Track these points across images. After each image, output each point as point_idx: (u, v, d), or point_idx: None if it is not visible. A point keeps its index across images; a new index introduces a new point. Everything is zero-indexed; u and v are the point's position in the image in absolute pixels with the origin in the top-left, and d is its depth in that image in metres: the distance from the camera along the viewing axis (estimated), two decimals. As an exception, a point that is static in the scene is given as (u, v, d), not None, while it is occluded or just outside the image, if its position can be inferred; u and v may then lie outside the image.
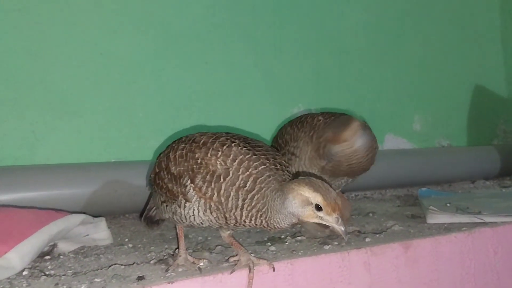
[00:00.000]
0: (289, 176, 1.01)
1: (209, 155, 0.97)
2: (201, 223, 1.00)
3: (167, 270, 0.99)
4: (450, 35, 2.70)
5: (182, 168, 0.99)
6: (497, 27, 2.90)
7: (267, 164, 0.97)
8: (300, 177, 0.97)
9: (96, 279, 0.95)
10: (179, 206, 1.00)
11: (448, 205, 1.56)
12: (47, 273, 1.01)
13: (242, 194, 0.94)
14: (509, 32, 2.87)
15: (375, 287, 1.13)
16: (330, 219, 0.93)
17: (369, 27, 2.40)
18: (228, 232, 1.10)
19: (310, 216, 0.93)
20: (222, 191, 0.95)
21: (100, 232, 1.25)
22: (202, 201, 0.97)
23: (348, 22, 2.33)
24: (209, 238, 1.30)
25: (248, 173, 0.95)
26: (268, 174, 0.96)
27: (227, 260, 1.05)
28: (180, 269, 1.00)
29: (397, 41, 2.49)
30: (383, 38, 2.44)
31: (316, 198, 0.91)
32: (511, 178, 2.50)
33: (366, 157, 1.33)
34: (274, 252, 1.13)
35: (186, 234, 1.31)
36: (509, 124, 2.83)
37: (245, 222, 0.96)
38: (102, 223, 1.27)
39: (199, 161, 0.98)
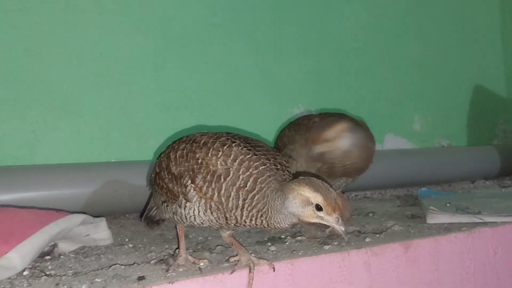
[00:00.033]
0: (290, 176, 1.01)
1: (209, 155, 0.97)
2: (202, 223, 1.00)
3: (167, 270, 0.99)
4: (450, 35, 2.70)
5: (182, 168, 1.00)
6: (497, 27, 2.90)
7: (268, 164, 0.97)
8: (301, 177, 0.97)
9: (96, 279, 0.95)
10: (180, 206, 1.00)
11: (448, 205, 1.56)
12: (47, 273, 1.01)
13: (242, 194, 0.94)
14: (509, 32, 2.88)
15: (375, 287, 1.13)
16: (330, 219, 0.93)
17: (369, 27, 2.40)
18: (229, 232, 1.10)
19: (310, 216, 0.93)
20: (222, 191, 0.95)
21: (100, 232, 1.25)
22: (203, 201, 0.97)
23: (348, 22, 2.33)
24: (209, 238, 1.30)
25: (248, 173, 0.95)
26: (268, 174, 0.96)
27: (227, 260, 1.06)
28: (180, 269, 1.00)
29: (397, 41, 2.49)
30: (383, 38, 2.45)
31: (317, 198, 0.92)
32: (511, 178, 2.50)
33: (360, 157, 1.33)
34: (275, 252, 1.13)
35: (187, 234, 1.31)
36: (509, 124, 2.83)
37: (245, 222, 0.96)
38: (102, 223, 1.27)
39: (199, 161, 0.98)
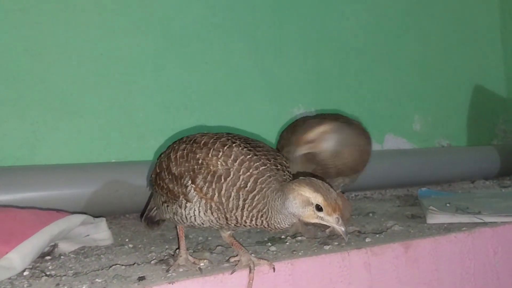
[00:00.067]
0: (290, 177, 1.01)
1: (210, 155, 0.97)
2: (202, 223, 1.00)
3: (167, 271, 0.99)
4: (450, 35, 2.70)
5: (183, 169, 1.00)
6: (497, 27, 2.90)
7: (268, 165, 0.97)
8: (301, 177, 0.97)
9: (97, 280, 0.95)
10: (180, 207, 1.00)
11: (448, 205, 1.56)
12: (48, 273, 1.01)
13: (243, 194, 0.94)
14: (509, 32, 2.88)
15: (375, 287, 1.14)
16: (331, 220, 0.93)
17: (369, 27, 2.40)
18: (229, 232, 1.10)
19: (310, 216, 0.94)
20: (223, 192, 0.95)
21: (100, 233, 1.25)
22: (203, 201, 0.97)
23: (348, 22, 2.33)
24: (209, 238, 1.30)
25: (249, 173, 0.95)
26: (269, 174, 0.96)
27: (227, 260, 1.06)
28: (180, 269, 1.00)
29: (397, 41, 2.49)
30: (383, 38, 2.45)
31: (317, 199, 0.92)
32: (510, 178, 2.50)
33: (351, 157, 1.34)
34: (275, 252, 1.13)
35: (187, 235, 1.31)
36: (509, 124, 2.83)
37: (245, 222, 0.96)
38: (102, 223, 1.27)
39: (200, 161, 0.98)
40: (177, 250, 1.15)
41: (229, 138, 1.02)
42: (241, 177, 0.94)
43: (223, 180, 0.95)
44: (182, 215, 1.01)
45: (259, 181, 0.94)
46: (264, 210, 0.94)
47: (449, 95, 2.66)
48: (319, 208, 0.92)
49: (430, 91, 2.59)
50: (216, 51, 1.99)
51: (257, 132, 2.00)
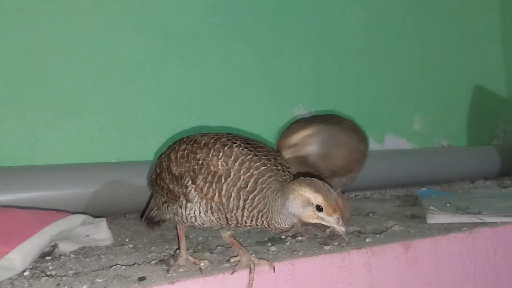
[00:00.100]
0: (290, 177, 1.01)
1: (210, 155, 0.97)
2: (202, 223, 1.00)
3: (168, 271, 0.99)
4: (450, 35, 2.70)
5: (183, 169, 1.00)
6: (497, 27, 2.90)
7: (268, 165, 0.97)
8: (301, 177, 0.97)
9: (97, 280, 0.95)
10: (180, 207, 1.00)
11: (448, 205, 1.56)
12: (48, 273, 1.01)
13: (243, 194, 0.94)
14: (509, 32, 2.88)
15: (375, 287, 1.14)
16: (331, 220, 0.93)
17: (369, 27, 2.40)
18: (229, 232, 1.10)
19: (310, 216, 0.94)
20: (223, 192, 0.95)
21: (101, 233, 1.25)
22: (203, 201, 0.97)
23: (348, 22, 2.33)
24: (209, 238, 1.30)
25: (249, 173, 0.95)
26: (269, 174, 0.96)
27: (227, 261, 1.06)
28: (181, 270, 1.00)
29: (397, 41, 2.49)
30: (383, 38, 2.45)
31: (317, 199, 0.92)
32: (510, 178, 2.50)
33: (341, 157, 1.35)
34: (275, 253, 1.13)
35: (187, 235, 1.31)
36: (509, 124, 2.84)
37: (246, 222, 0.96)
38: (102, 223, 1.27)
39: (200, 161, 0.98)
40: (177, 250, 1.15)
41: (230, 138, 1.02)
42: (241, 178, 0.94)
43: (223, 180, 0.95)
44: (182, 215, 1.01)
45: (259, 181, 0.95)
46: (265, 211, 0.94)
47: (449, 95, 2.66)
48: (319, 209, 0.92)
49: (430, 91, 2.59)
50: (216, 51, 1.99)
51: (257, 132, 2.00)
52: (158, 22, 1.87)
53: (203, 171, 0.97)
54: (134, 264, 1.06)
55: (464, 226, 1.31)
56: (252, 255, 1.04)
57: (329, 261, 1.09)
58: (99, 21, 1.75)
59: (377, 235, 1.27)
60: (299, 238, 1.26)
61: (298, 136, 1.30)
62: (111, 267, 1.05)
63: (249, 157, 0.97)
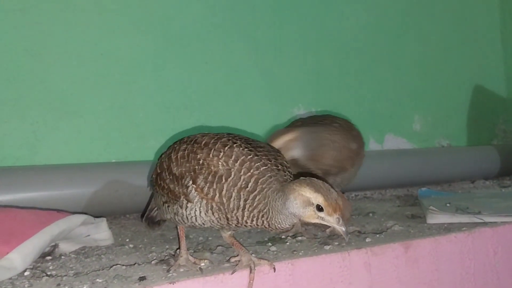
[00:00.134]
0: (291, 177, 1.01)
1: (211, 155, 0.97)
2: (203, 223, 1.00)
3: (168, 271, 1.00)
4: (450, 35, 2.70)
5: (184, 169, 1.00)
6: (497, 27, 2.91)
7: (269, 165, 0.97)
8: (301, 177, 0.97)
9: (98, 280, 0.95)
10: (181, 207, 1.00)
11: (448, 205, 1.56)
12: (48, 273, 1.01)
13: (243, 194, 0.94)
14: (509, 32, 2.88)
15: (375, 287, 1.14)
16: (331, 220, 0.94)
17: (369, 27, 2.40)
18: (229, 232, 1.10)
19: (311, 216, 0.94)
20: (224, 192, 0.95)
21: (101, 233, 1.25)
22: (204, 201, 0.97)
23: (348, 22, 2.33)
24: (210, 238, 1.30)
25: (249, 173, 0.95)
26: (269, 174, 0.96)
27: (228, 261, 1.06)
28: (181, 270, 1.00)
29: (397, 41, 2.49)
30: (383, 38, 2.45)
31: (317, 199, 0.92)
32: (510, 178, 2.51)
33: (331, 157, 1.37)
34: (275, 252, 1.13)
35: (187, 235, 1.31)
36: (509, 124, 2.84)
37: (246, 222, 0.96)
38: (103, 223, 1.27)
39: (201, 161, 0.98)
40: (178, 250, 1.16)
41: (230, 138, 1.02)
42: (242, 178, 0.95)
43: (224, 180, 0.95)
44: (183, 215, 1.01)
45: (260, 181, 0.95)
46: (265, 211, 0.94)
47: (449, 95, 2.66)
48: (319, 208, 0.93)
49: (430, 91, 2.59)
50: (216, 51, 1.99)
51: (257, 132, 2.00)
52: (158, 22, 1.87)
53: (203, 171, 0.97)
54: (134, 264, 1.06)
55: (464, 226, 1.31)
56: (253, 255, 1.04)
57: (329, 261, 1.09)
58: (99, 21, 1.75)
59: (377, 235, 1.27)
60: (299, 238, 1.26)
61: (281, 141, 1.31)
62: (111, 267, 1.05)
63: (249, 157, 0.97)
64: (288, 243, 1.21)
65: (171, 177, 1.02)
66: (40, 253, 1.08)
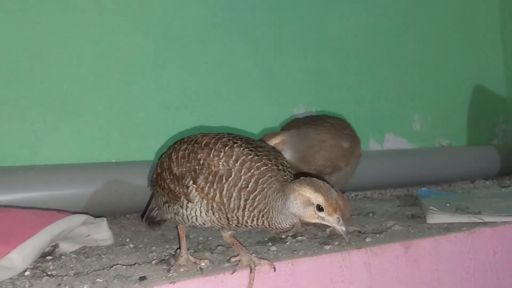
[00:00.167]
0: (291, 177, 1.01)
1: (211, 155, 0.98)
2: (203, 223, 1.00)
3: (168, 270, 1.00)
4: (450, 35, 2.70)
5: (184, 169, 1.00)
6: (497, 27, 2.91)
7: (269, 165, 0.97)
8: (302, 177, 0.97)
9: (98, 279, 0.95)
10: (181, 207, 1.00)
11: (448, 205, 1.56)
12: (49, 273, 1.01)
13: (244, 194, 0.94)
14: (509, 32, 2.88)
15: (375, 287, 1.14)
16: (332, 220, 0.94)
17: (369, 27, 2.40)
18: (230, 232, 1.10)
19: (311, 216, 0.94)
20: (224, 192, 0.95)
21: (101, 233, 1.25)
22: (204, 201, 0.97)
23: (348, 22, 2.33)
24: (210, 238, 1.30)
25: (250, 173, 0.95)
26: (270, 174, 0.96)
27: (228, 260, 1.06)
28: (181, 269, 1.00)
29: (397, 41, 2.49)
30: (383, 38, 2.45)
31: (318, 199, 0.92)
32: (510, 178, 2.51)
33: (323, 157, 1.39)
34: (275, 252, 1.13)
35: (187, 235, 1.31)
36: (509, 123, 2.84)
37: (247, 222, 0.96)
38: (103, 223, 1.27)
39: (201, 161, 0.98)
40: (178, 250, 1.16)
41: (230, 138, 1.02)
42: (242, 178, 0.95)
43: (224, 180, 0.95)
44: (183, 215, 1.01)
45: (260, 181, 0.95)
46: (265, 210, 0.94)
47: (449, 95, 2.66)
48: (320, 208, 0.93)
49: (430, 91, 2.59)
50: (216, 51, 1.99)
51: (257, 132, 2.00)
52: (158, 22, 1.87)
53: (204, 171, 0.97)
54: (134, 264, 1.06)
55: (464, 226, 1.32)
56: (253, 255, 1.04)
57: (329, 261, 1.09)
58: (99, 21, 1.75)
59: (377, 235, 1.27)
60: (300, 238, 1.26)
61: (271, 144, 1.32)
62: (111, 267, 1.05)
63: (250, 157, 0.97)
64: (288, 243, 1.22)
65: (171, 177, 1.02)
66: (41, 253, 1.08)
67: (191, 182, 0.98)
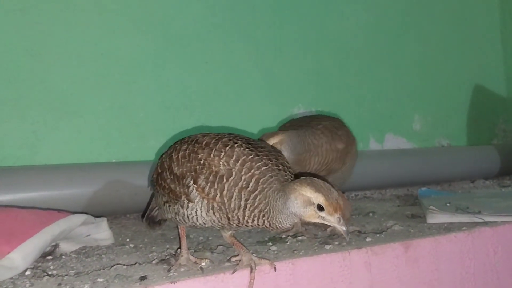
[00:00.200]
0: (291, 177, 1.01)
1: (212, 155, 0.98)
2: (204, 223, 1.00)
3: (169, 270, 1.00)
4: (450, 35, 2.70)
5: (185, 169, 1.00)
6: (497, 27, 2.91)
7: (270, 165, 0.97)
8: (302, 177, 0.97)
9: (98, 279, 0.95)
10: (182, 207, 1.00)
11: (448, 204, 1.56)
12: (49, 273, 1.01)
13: (244, 194, 0.94)
14: (509, 32, 2.88)
15: (375, 287, 1.14)
16: (332, 219, 0.94)
17: (369, 27, 2.40)
18: (230, 232, 1.10)
19: (312, 216, 0.94)
20: (225, 192, 0.95)
21: (101, 232, 1.25)
22: (205, 201, 0.97)
23: (348, 22, 2.33)
24: (210, 238, 1.30)
25: (250, 173, 0.95)
26: (270, 174, 0.96)
27: (228, 260, 1.06)
28: (182, 269, 1.00)
29: (397, 41, 2.50)
30: (383, 38, 2.45)
31: (318, 199, 0.92)
32: (510, 178, 2.51)
33: (321, 158, 1.40)
34: (276, 252, 1.13)
35: (188, 234, 1.31)
36: (509, 123, 2.84)
37: (247, 222, 0.96)
38: (103, 223, 1.27)
39: (202, 161, 0.98)
40: (178, 249, 1.16)
41: (231, 138, 1.02)
42: (243, 177, 0.95)
43: (225, 180, 0.95)
44: (184, 215, 1.01)
45: (260, 181, 0.95)
46: (266, 210, 0.94)
47: (449, 95, 2.67)
48: (320, 208, 0.93)
49: (430, 91, 2.59)
50: (216, 51, 1.99)
51: (257, 132, 2.00)
52: (158, 22, 1.87)
53: (204, 171, 0.97)
54: (135, 264, 1.06)
55: (464, 226, 1.32)
56: (253, 254, 1.04)
57: (329, 260, 1.09)
58: (99, 21, 1.75)
59: (377, 235, 1.27)
60: (300, 237, 1.26)
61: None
62: (112, 266, 1.05)
63: (250, 157, 0.97)
64: (288, 243, 1.22)
65: (172, 177, 1.02)
66: (41, 253, 1.08)
67: (192, 182, 0.98)
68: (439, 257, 1.22)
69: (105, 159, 1.74)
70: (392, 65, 2.47)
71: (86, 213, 1.27)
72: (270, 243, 1.21)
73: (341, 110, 2.17)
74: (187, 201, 0.99)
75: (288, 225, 0.96)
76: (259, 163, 0.96)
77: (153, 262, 1.08)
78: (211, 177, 0.96)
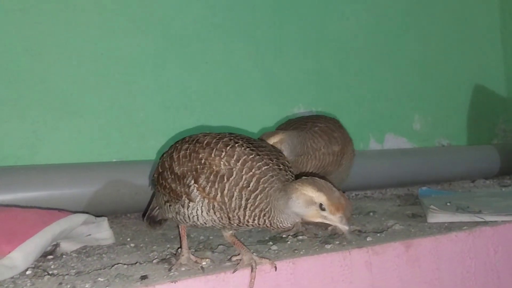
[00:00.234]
0: (292, 176, 1.01)
1: (212, 155, 0.98)
2: (205, 223, 1.00)
3: (170, 270, 1.00)
4: (450, 35, 2.71)
5: (185, 168, 1.00)
6: (497, 27, 2.91)
7: (270, 164, 0.97)
8: (303, 177, 0.97)
9: (99, 279, 0.95)
10: (183, 206, 1.00)
11: (448, 204, 1.56)
12: (50, 272, 1.01)
13: (245, 194, 0.94)
14: (509, 32, 2.88)
15: (376, 286, 1.14)
16: (334, 219, 0.93)
17: (369, 27, 2.40)
18: (231, 231, 1.10)
19: (314, 215, 0.94)
20: (225, 191, 0.95)
21: (102, 232, 1.25)
22: (206, 201, 0.97)
23: (348, 22, 2.33)
24: (211, 237, 1.30)
25: (251, 173, 0.95)
26: (271, 174, 0.96)
27: (229, 259, 1.06)
28: (183, 268, 1.00)
29: (397, 41, 2.50)
30: (383, 38, 2.45)
31: (320, 198, 0.92)
32: (511, 177, 2.51)
33: (319, 158, 1.41)
34: (276, 251, 1.13)
35: (188, 234, 1.31)
36: (509, 123, 2.84)
37: (248, 222, 0.96)
38: (104, 222, 1.27)
39: (202, 161, 0.98)
40: (179, 249, 1.16)
41: (232, 138, 1.02)
42: (243, 177, 0.95)
43: (225, 179, 0.95)
44: (184, 214, 1.01)
45: (261, 180, 0.95)
46: (267, 210, 0.94)
47: (449, 95, 2.67)
48: (322, 208, 0.93)
49: (430, 91, 2.59)
50: (216, 51, 1.99)
51: (257, 132, 2.00)
52: (158, 22, 1.87)
53: (205, 171, 0.97)
54: (136, 263, 1.06)
55: (464, 225, 1.32)
56: (254, 254, 1.04)
57: (330, 260, 1.09)
58: (99, 21, 1.75)
59: (378, 234, 1.27)
60: (300, 237, 1.26)
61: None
62: (113, 266, 1.05)
63: (251, 156, 0.97)
64: (289, 242, 1.22)
65: (173, 176, 1.02)
66: (42, 252, 1.08)
67: (193, 181, 0.98)
68: (439, 257, 1.22)
69: (105, 159, 1.74)
70: (392, 65, 2.47)
71: (86, 212, 1.27)
72: (270, 243, 1.21)
73: (341, 110, 2.17)
74: (188, 200, 0.99)
75: (289, 225, 0.96)
76: (260, 163, 0.96)
77: (154, 261, 1.08)
78: (212, 176, 0.96)
